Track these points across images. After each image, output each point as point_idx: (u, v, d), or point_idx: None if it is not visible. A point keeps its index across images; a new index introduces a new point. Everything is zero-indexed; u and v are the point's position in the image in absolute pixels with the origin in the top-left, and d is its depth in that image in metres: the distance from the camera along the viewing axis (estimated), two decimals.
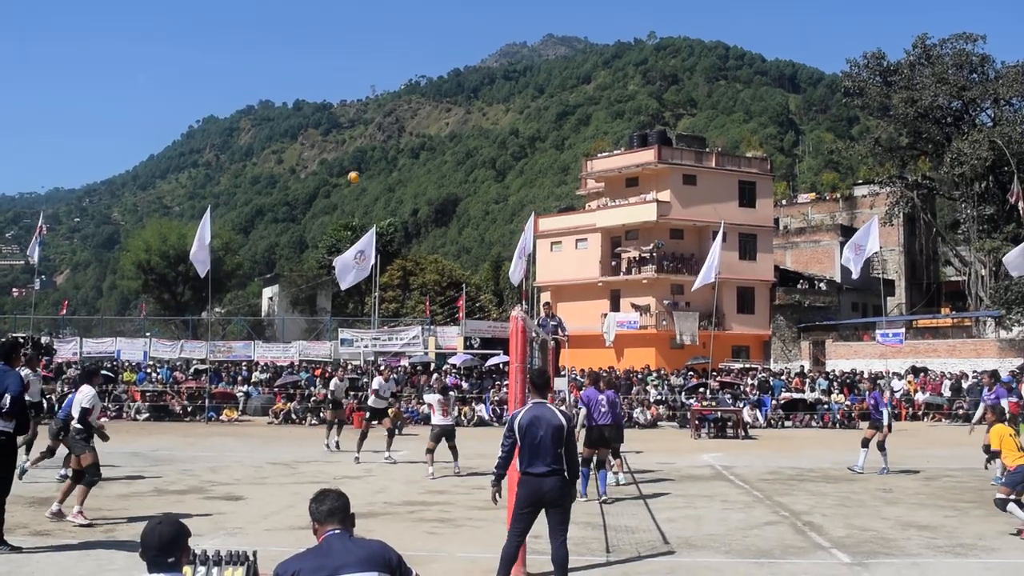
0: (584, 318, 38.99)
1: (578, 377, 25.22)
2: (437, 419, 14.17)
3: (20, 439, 8.84)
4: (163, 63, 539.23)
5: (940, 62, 45.87)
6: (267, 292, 67.75)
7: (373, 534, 6.96)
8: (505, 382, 26.40)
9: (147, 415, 26.23)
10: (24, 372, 9.44)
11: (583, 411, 11.93)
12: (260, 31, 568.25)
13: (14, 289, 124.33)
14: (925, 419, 29.40)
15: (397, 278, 54.77)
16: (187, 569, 3.63)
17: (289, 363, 33.61)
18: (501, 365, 30.67)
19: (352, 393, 24.54)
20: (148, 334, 39.80)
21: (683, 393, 28.92)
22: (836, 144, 66.01)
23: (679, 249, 42.90)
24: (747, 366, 37.29)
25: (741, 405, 25.84)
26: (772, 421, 26.99)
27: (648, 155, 43.65)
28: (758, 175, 45.45)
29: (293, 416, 26.15)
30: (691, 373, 33.56)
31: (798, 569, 7.76)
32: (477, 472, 13.97)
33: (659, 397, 29.28)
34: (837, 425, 26.87)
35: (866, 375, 30.70)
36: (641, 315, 41.21)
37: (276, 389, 29.09)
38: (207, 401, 26.72)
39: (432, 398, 14.56)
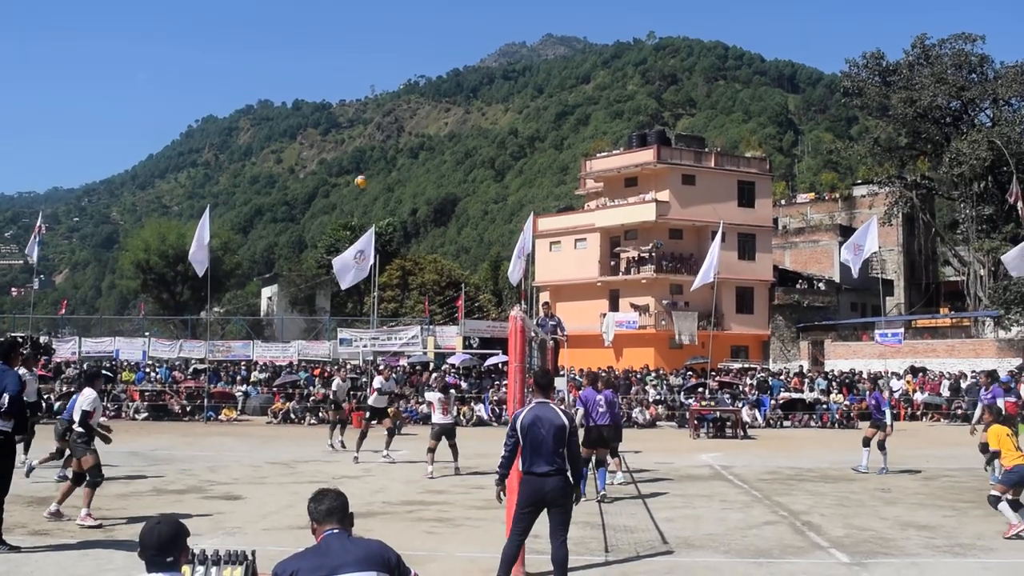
0: (583, 318, 39.00)
1: (577, 377, 25.22)
2: (437, 417, 14.18)
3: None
4: (162, 63, 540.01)
5: (939, 62, 45.90)
6: (266, 292, 67.76)
7: (372, 534, 6.96)
8: (504, 382, 26.41)
9: (146, 415, 26.22)
10: (20, 372, 9.43)
11: (580, 411, 11.94)
12: (259, 31, 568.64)
13: (13, 289, 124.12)
14: (924, 419, 29.42)
15: (396, 278, 54.77)
16: (186, 569, 3.63)
17: (288, 363, 33.60)
18: (500, 365, 30.67)
19: (351, 393, 24.53)
20: (147, 334, 39.78)
21: (682, 393, 28.92)
22: (835, 144, 66.13)
23: (678, 249, 42.91)
24: (746, 366, 37.30)
25: (740, 405, 25.85)
26: (771, 421, 27.00)
27: (647, 155, 43.66)
28: (757, 175, 45.47)
29: (292, 416, 26.15)
30: (690, 373, 33.56)
31: (797, 569, 7.76)
32: (476, 472, 13.96)
33: (658, 397, 29.29)
34: (836, 425, 26.87)
35: (865, 375, 30.76)
36: (640, 315, 41.21)
37: (275, 389, 29.10)
38: (206, 401, 26.72)
39: (433, 396, 14.57)
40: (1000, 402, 13.99)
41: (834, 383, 31.25)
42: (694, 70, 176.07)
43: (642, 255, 42.56)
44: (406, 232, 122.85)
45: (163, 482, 12.77)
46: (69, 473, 9.99)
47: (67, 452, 10.67)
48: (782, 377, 32.71)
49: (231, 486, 12.46)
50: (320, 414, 25.80)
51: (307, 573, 3.42)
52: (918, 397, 30.93)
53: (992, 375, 16.44)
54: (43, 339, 33.06)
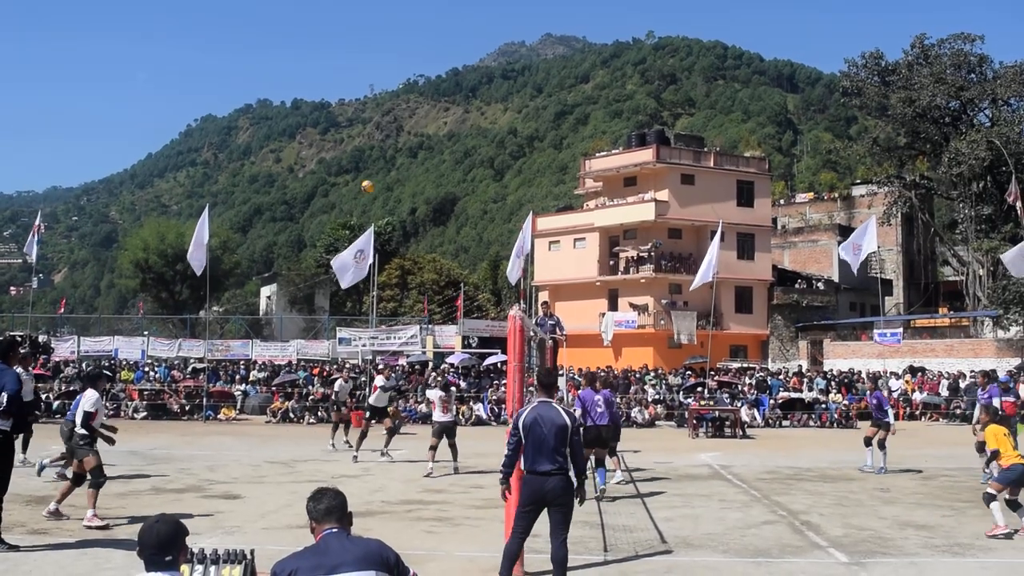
0: (582, 317, 39.02)
1: (576, 376, 25.22)
2: (438, 415, 14.21)
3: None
4: (162, 62, 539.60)
5: (938, 62, 45.90)
6: (265, 291, 67.73)
7: (371, 533, 6.96)
8: (503, 381, 26.42)
9: (145, 414, 26.20)
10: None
11: (578, 411, 11.94)
12: (259, 30, 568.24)
13: (12, 288, 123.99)
14: (923, 419, 29.43)
15: (395, 277, 54.74)
16: (185, 568, 3.63)
17: (287, 362, 33.61)
18: (499, 364, 30.67)
19: (353, 393, 24.51)
20: (146, 333, 39.77)
21: (681, 392, 28.93)
22: (834, 144, 66.08)
23: (677, 248, 42.91)
24: (745, 366, 37.30)
25: (739, 404, 25.84)
26: (770, 420, 27.00)
27: (646, 155, 43.66)
28: (756, 175, 45.47)
29: (291, 415, 26.15)
30: (689, 372, 33.56)
31: (795, 568, 7.77)
32: (475, 471, 13.96)
33: (657, 396, 29.29)
34: (835, 425, 26.88)
35: (864, 375, 30.78)
36: (639, 314, 41.23)
37: (274, 388, 29.09)
38: (205, 400, 26.71)
39: (434, 394, 14.61)
40: (996, 401, 14.04)
41: (833, 383, 31.26)
42: (693, 70, 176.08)
43: (641, 255, 42.57)
44: (405, 231, 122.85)
45: (162, 481, 12.77)
46: (69, 473, 9.99)
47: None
48: (781, 377, 32.72)
49: (230, 485, 12.46)
50: (319, 413, 25.83)
51: (306, 572, 3.42)
52: (917, 397, 30.94)
53: (988, 375, 16.46)
54: (42, 338, 33.03)
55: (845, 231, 47.29)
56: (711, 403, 25.01)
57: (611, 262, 43.84)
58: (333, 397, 19.66)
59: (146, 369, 31.55)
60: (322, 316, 48.39)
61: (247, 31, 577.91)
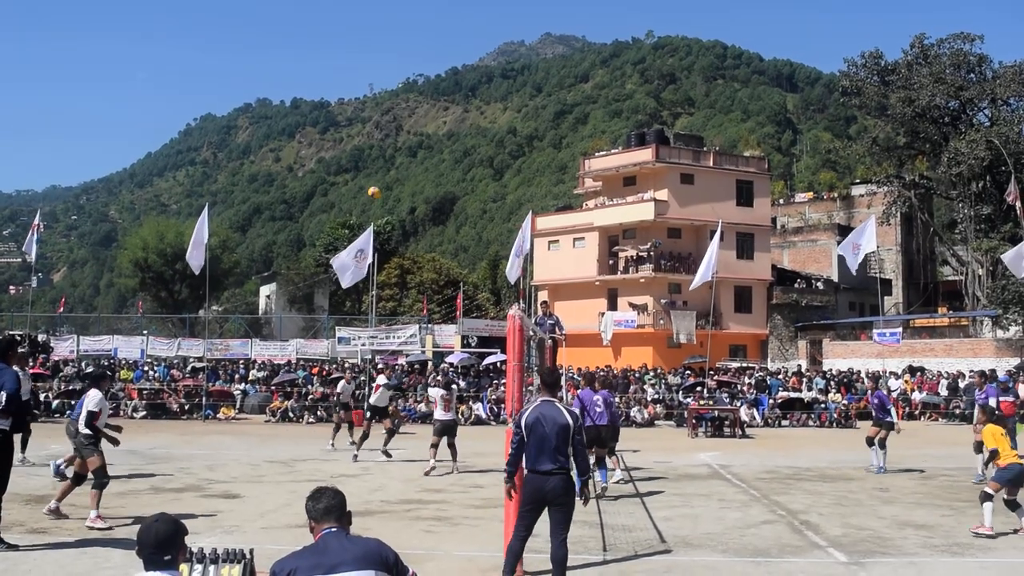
0: (581, 317, 39.03)
1: (575, 376, 25.22)
2: (439, 414, 14.23)
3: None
4: (162, 62, 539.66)
5: (938, 62, 45.92)
6: (264, 290, 67.71)
7: (370, 532, 6.95)
8: (502, 381, 26.40)
9: (144, 413, 26.18)
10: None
11: (576, 410, 11.94)
12: (258, 30, 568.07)
13: (11, 287, 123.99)
14: (922, 418, 29.45)
15: (395, 277, 54.73)
16: (183, 567, 3.63)
17: (286, 361, 33.56)
18: (498, 364, 30.65)
19: (355, 394, 24.50)
20: (145, 332, 39.77)
21: (680, 392, 28.92)
22: (834, 143, 66.07)
23: (676, 248, 42.91)
24: (744, 365, 37.30)
25: (738, 404, 25.83)
26: (769, 420, 27.00)
27: (646, 154, 43.67)
28: (756, 174, 45.49)
29: (290, 414, 26.13)
30: (688, 372, 33.55)
31: (795, 568, 7.77)
32: (474, 470, 13.96)
33: (656, 396, 29.28)
34: (834, 424, 26.88)
35: (863, 375, 30.78)
36: (638, 314, 41.23)
37: (273, 387, 29.07)
38: (204, 399, 26.70)
39: (435, 393, 14.63)
40: (992, 401, 14.06)
41: (832, 382, 31.26)
42: (693, 69, 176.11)
43: (640, 254, 42.58)
44: (404, 231, 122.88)
45: (161, 480, 12.78)
46: (70, 472, 9.98)
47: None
48: (780, 376, 32.70)
49: (229, 484, 12.46)
50: (319, 412, 25.83)
51: (305, 571, 3.42)
52: (916, 396, 30.95)
53: (985, 375, 16.48)
54: (41, 337, 33.00)
55: (844, 231, 47.30)
56: (710, 403, 25.01)
57: (610, 262, 43.85)
58: (336, 398, 19.63)
59: (145, 368, 31.51)
60: (321, 315, 48.38)
61: (247, 31, 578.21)
